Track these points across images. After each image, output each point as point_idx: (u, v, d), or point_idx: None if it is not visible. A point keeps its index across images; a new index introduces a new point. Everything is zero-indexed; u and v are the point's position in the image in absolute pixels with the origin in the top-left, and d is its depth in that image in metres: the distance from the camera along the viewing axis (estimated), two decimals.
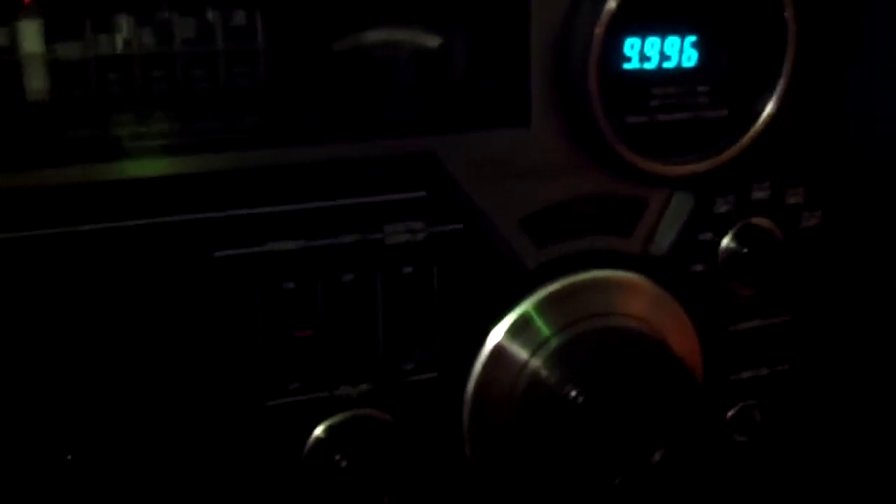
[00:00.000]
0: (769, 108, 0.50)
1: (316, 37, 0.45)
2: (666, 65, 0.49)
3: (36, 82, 0.41)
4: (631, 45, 0.48)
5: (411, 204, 0.47)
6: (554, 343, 0.50)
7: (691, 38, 0.49)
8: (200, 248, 0.44)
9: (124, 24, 0.42)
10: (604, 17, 0.46)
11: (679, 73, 0.50)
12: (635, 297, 0.52)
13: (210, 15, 0.43)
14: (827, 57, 0.53)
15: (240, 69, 0.44)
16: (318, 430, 0.48)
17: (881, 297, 0.58)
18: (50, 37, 0.41)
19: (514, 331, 0.50)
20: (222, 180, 0.43)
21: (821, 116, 0.54)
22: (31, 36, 0.41)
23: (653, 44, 0.49)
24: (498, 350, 0.50)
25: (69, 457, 0.44)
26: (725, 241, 0.53)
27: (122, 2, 0.42)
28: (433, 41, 0.48)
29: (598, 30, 0.46)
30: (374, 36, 0.46)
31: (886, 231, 0.57)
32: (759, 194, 0.53)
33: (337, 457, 0.47)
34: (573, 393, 0.48)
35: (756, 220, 0.53)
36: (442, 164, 0.47)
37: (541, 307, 0.50)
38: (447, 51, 0.47)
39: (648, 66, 0.49)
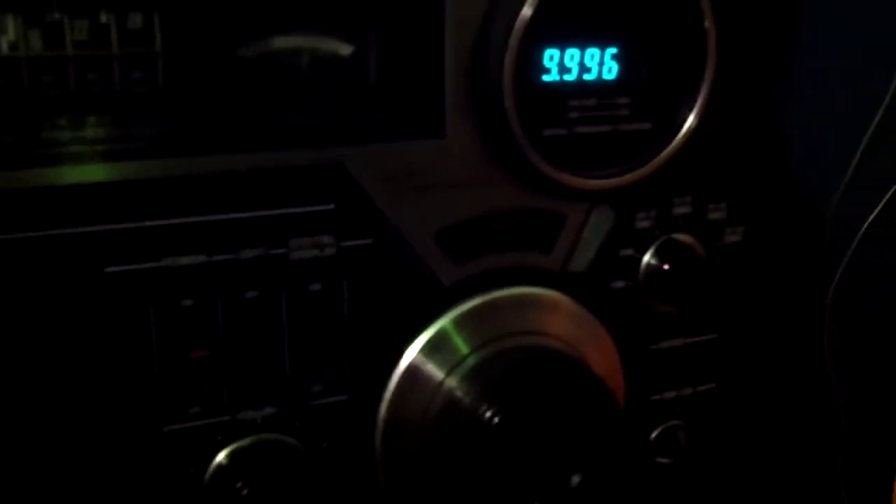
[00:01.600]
0: (689, 122, 0.49)
1: (219, 41, 0.42)
2: (586, 77, 0.48)
3: None
4: (550, 57, 0.47)
5: (319, 217, 0.45)
6: (470, 362, 0.48)
7: (612, 50, 0.48)
8: (91, 263, 0.41)
9: (11, 25, 0.40)
10: (519, 25, 0.45)
11: (599, 86, 0.48)
12: (555, 314, 0.50)
13: (104, 17, 0.41)
14: (749, 69, 0.52)
15: (136, 74, 0.42)
16: (220, 457, 0.45)
17: (804, 312, 0.57)
18: None
19: (430, 349, 0.48)
20: (114, 191, 0.41)
21: (743, 130, 0.53)
22: None
23: (572, 55, 0.48)
24: (412, 370, 0.48)
25: None
26: (647, 258, 0.52)
27: (9, 1, 0.40)
28: (345, 48, 0.46)
29: (514, 39, 0.45)
30: (283, 42, 0.44)
31: (809, 246, 0.57)
32: (681, 209, 0.52)
33: (239, 484, 0.45)
34: (489, 413, 0.46)
35: (677, 236, 0.52)
36: (352, 176, 0.45)
37: (457, 325, 0.48)
38: (359, 58, 0.45)
39: (568, 77, 0.48)
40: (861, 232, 0.53)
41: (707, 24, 0.47)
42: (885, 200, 0.52)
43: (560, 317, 0.50)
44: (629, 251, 0.51)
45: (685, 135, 0.49)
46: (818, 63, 0.55)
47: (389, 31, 0.45)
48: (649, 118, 0.50)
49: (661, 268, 0.51)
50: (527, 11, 0.45)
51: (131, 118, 0.41)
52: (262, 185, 0.43)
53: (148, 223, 0.41)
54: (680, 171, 0.51)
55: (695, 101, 0.49)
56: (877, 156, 0.53)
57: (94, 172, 0.40)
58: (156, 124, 0.42)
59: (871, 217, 0.53)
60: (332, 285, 0.45)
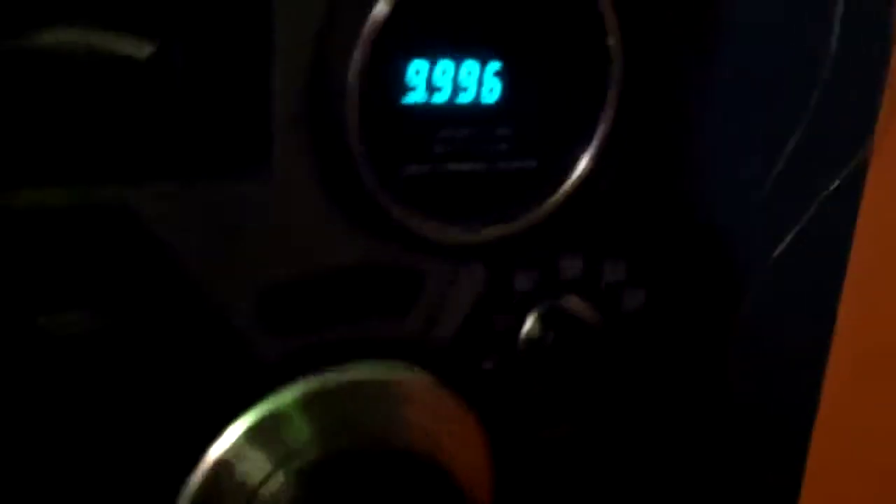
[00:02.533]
0: (584, 162, 0.40)
1: None
2: (460, 99, 0.39)
3: None
4: (416, 71, 0.38)
5: (88, 281, 0.34)
6: (295, 465, 0.38)
7: (495, 66, 0.39)
8: None
9: None
10: (370, 27, 0.35)
11: (476, 111, 0.39)
12: (407, 398, 0.41)
13: None
14: (658, 103, 0.44)
15: None
16: None
17: (712, 390, 0.50)
18: None
19: (243, 447, 0.38)
20: None
21: (648, 175, 0.45)
22: None
23: (444, 70, 0.38)
24: (219, 469, 0.38)
25: None
26: (527, 327, 0.43)
27: None
28: (141, 50, 0.35)
29: (363, 44, 0.35)
30: (54, 36, 0.33)
31: (716, 311, 0.50)
32: (570, 269, 0.43)
33: None
34: None
35: (565, 302, 0.43)
36: (143, 223, 0.34)
37: (279, 416, 0.39)
38: (159, 64, 0.35)
39: (438, 99, 0.38)
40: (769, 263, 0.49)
41: (611, 41, 0.38)
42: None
43: (414, 401, 0.41)
44: (505, 319, 0.42)
45: (578, 178, 0.40)
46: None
47: (199, 29, 0.35)
48: (535, 154, 0.41)
49: (545, 339, 0.43)
50: (382, 9, 0.35)
51: None
52: (14, 236, 0.32)
53: None
54: (570, 221, 0.42)
55: (592, 137, 0.40)
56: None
57: None
58: None
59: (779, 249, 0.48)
60: (96, 370, 0.34)
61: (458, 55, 0.38)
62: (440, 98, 0.39)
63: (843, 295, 0.49)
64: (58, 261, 0.34)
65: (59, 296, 0.34)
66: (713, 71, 0.50)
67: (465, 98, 0.39)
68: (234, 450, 0.39)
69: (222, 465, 0.39)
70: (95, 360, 0.35)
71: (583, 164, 0.41)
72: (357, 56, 0.35)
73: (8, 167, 0.33)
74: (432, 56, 0.38)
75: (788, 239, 0.52)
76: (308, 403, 0.39)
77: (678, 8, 0.43)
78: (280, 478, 0.39)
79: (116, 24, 0.34)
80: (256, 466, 0.39)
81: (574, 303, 0.44)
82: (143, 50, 0.35)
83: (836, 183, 0.51)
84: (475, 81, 0.39)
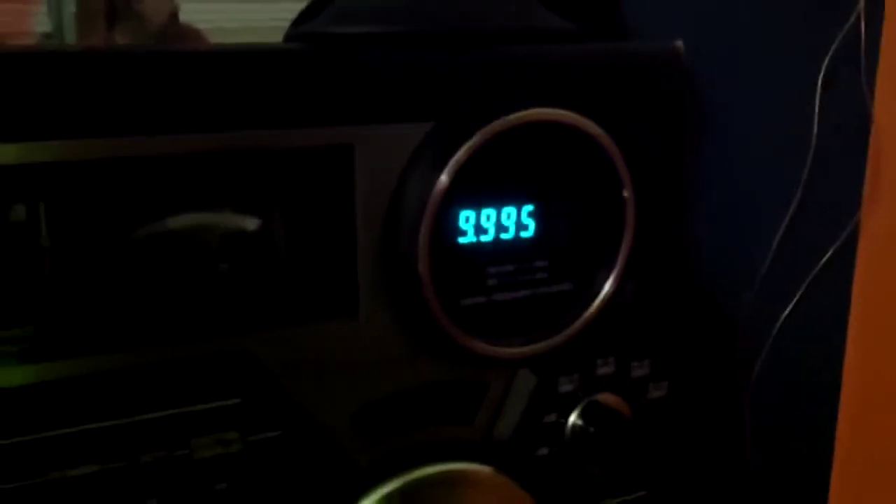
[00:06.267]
0: (608, 285, 0.48)
1: (111, 226, 0.40)
2: (503, 236, 0.46)
3: None
4: (466, 218, 0.45)
5: (224, 413, 0.42)
6: None
7: (528, 208, 0.47)
8: None
9: None
10: (436, 193, 0.43)
11: (517, 245, 0.47)
12: (478, 489, 0.48)
13: None
14: (668, 229, 0.51)
15: (20, 271, 0.38)
16: None
17: (730, 461, 0.56)
18: None
19: None
20: None
21: (663, 288, 0.52)
22: None
23: (489, 215, 0.46)
24: None
25: None
26: (571, 421, 0.50)
27: None
28: (250, 224, 0.43)
29: (430, 206, 0.43)
30: (184, 220, 0.42)
31: (731, 383, 0.56)
32: (604, 370, 0.50)
33: None
34: None
35: (602, 397, 0.50)
36: (260, 363, 0.42)
37: None
38: (265, 235, 0.43)
39: (485, 238, 0.46)
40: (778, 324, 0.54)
41: (626, 193, 0.46)
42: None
43: (484, 491, 0.48)
44: (553, 416, 0.49)
45: (605, 295, 0.48)
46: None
47: (297, 205, 0.43)
48: (569, 279, 0.48)
49: (587, 431, 0.50)
50: (444, 180, 0.43)
51: (13, 320, 0.38)
52: (161, 381, 0.40)
53: (31, 436, 0.38)
54: (601, 331, 0.49)
55: (614, 262, 0.48)
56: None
57: None
58: (40, 324, 0.39)
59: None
60: (238, 483, 0.42)
61: (499, 203, 0.46)
62: (486, 237, 0.46)
63: (846, 353, 0.53)
64: (197, 397, 0.42)
65: (199, 427, 0.42)
66: (709, 189, 0.57)
67: (506, 236, 0.47)
68: None
69: None
70: (231, 474, 0.42)
71: (609, 284, 0.48)
72: (427, 214, 0.43)
73: (155, 327, 0.41)
74: (478, 205, 0.46)
75: (789, 308, 0.57)
76: (395, 499, 0.46)
77: (674, 148, 0.51)
78: None
79: (229, 206, 0.43)
80: None
81: (609, 398, 0.51)
82: (251, 224, 0.43)
83: (830, 252, 0.56)
84: (514, 222, 0.47)
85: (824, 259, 0.55)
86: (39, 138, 0.37)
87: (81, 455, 0.39)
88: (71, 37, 0.93)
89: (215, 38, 0.90)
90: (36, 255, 0.38)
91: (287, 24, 0.50)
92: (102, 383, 0.39)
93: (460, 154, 0.43)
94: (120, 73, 0.38)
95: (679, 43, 0.51)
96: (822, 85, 0.54)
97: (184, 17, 0.90)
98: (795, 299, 0.56)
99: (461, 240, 0.46)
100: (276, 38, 0.50)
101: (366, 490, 0.45)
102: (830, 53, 0.53)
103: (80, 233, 0.39)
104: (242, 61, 0.41)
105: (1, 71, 0.36)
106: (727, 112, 0.57)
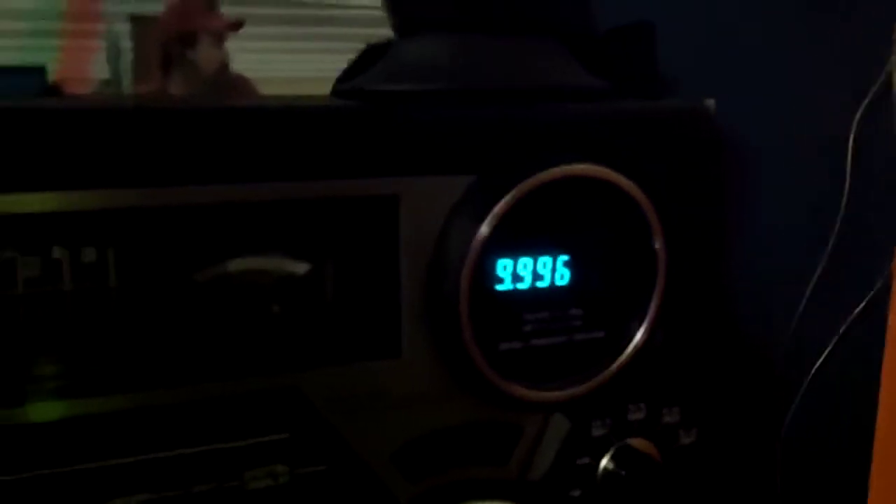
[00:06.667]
0: (640, 334, 0.50)
1: (175, 269, 0.42)
2: (539, 284, 0.49)
3: None
4: (504, 267, 0.48)
5: (274, 446, 0.44)
6: None
7: (564, 258, 0.49)
8: None
9: None
10: (476, 243, 0.46)
11: (552, 293, 0.49)
12: None
13: (57, 252, 0.41)
14: (700, 279, 0.53)
15: (89, 310, 0.41)
16: None
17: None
18: None
19: None
20: (56, 431, 0.40)
21: (694, 336, 0.54)
22: None
23: (525, 264, 0.48)
24: None
25: None
26: (603, 464, 0.51)
27: None
28: (301, 268, 0.46)
29: (471, 256, 0.45)
30: (237, 265, 0.44)
31: (763, 431, 0.57)
32: (636, 415, 0.52)
33: None
34: None
35: (633, 442, 0.52)
36: (308, 400, 0.45)
37: None
38: (315, 279, 0.45)
39: (521, 286, 0.48)
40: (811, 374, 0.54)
41: (657, 245, 0.49)
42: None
43: None
44: (585, 459, 0.51)
45: (637, 343, 0.50)
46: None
47: (345, 251, 0.46)
48: (602, 327, 0.50)
49: (619, 474, 0.51)
50: (484, 230, 0.46)
51: (80, 355, 0.41)
52: (216, 415, 0.43)
53: (90, 465, 0.40)
54: (633, 378, 0.51)
55: (645, 315, 0.50)
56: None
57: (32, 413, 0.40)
58: (107, 360, 0.41)
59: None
60: None
61: (536, 252, 0.48)
62: (523, 286, 0.48)
63: (880, 402, 0.53)
64: (249, 431, 0.44)
65: (250, 460, 0.44)
66: (741, 234, 0.59)
67: (541, 284, 0.49)
68: None
69: None
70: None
71: (641, 332, 0.50)
72: (467, 264, 0.45)
73: (210, 364, 0.43)
74: (516, 255, 0.48)
75: (823, 356, 0.58)
76: None
77: (706, 201, 0.53)
78: None
79: (282, 251, 0.45)
80: None
81: (639, 443, 0.52)
82: (301, 268, 0.46)
83: (865, 302, 0.57)
84: (549, 271, 0.49)
85: (858, 308, 0.56)
86: (115, 186, 0.40)
87: (138, 484, 0.41)
88: (127, 83, 0.97)
89: (263, 87, 0.94)
90: (104, 296, 0.41)
91: (326, 75, 0.53)
92: (162, 416, 0.42)
93: (500, 206, 0.46)
94: (188, 128, 0.42)
95: (710, 101, 0.54)
96: (853, 139, 0.56)
97: (234, 66, 0.94)
98: (829, 348, 0.57)
99: (499, 287, 0.48)
100: (319, 88, 0.53)
101: None
102: (861, 110, 0.55)
103: (146, 274, 0.42)
104: (299, 116, 0.44)
105: (90, 125, 0.40)
106: (759, 165, 0.59)
